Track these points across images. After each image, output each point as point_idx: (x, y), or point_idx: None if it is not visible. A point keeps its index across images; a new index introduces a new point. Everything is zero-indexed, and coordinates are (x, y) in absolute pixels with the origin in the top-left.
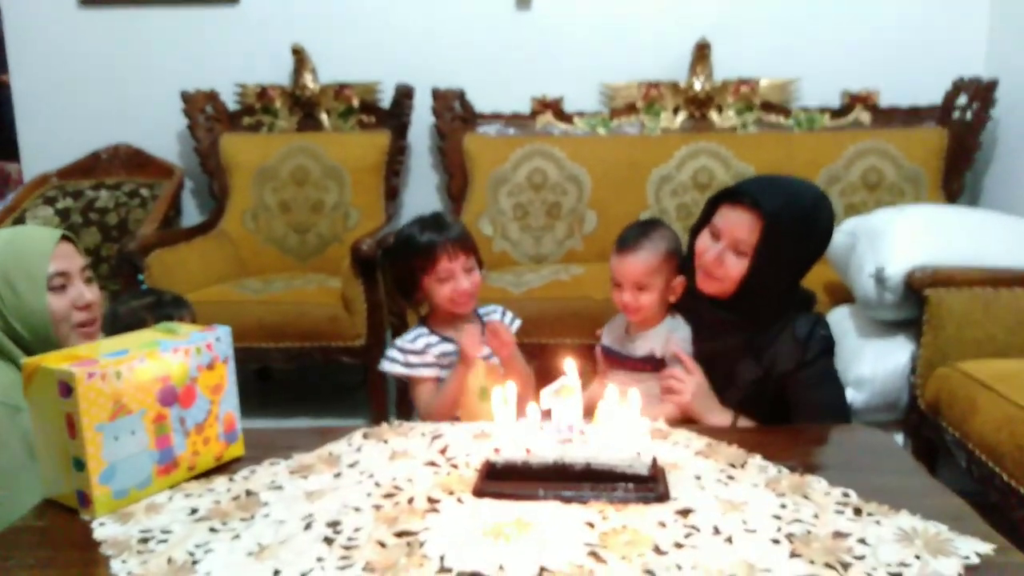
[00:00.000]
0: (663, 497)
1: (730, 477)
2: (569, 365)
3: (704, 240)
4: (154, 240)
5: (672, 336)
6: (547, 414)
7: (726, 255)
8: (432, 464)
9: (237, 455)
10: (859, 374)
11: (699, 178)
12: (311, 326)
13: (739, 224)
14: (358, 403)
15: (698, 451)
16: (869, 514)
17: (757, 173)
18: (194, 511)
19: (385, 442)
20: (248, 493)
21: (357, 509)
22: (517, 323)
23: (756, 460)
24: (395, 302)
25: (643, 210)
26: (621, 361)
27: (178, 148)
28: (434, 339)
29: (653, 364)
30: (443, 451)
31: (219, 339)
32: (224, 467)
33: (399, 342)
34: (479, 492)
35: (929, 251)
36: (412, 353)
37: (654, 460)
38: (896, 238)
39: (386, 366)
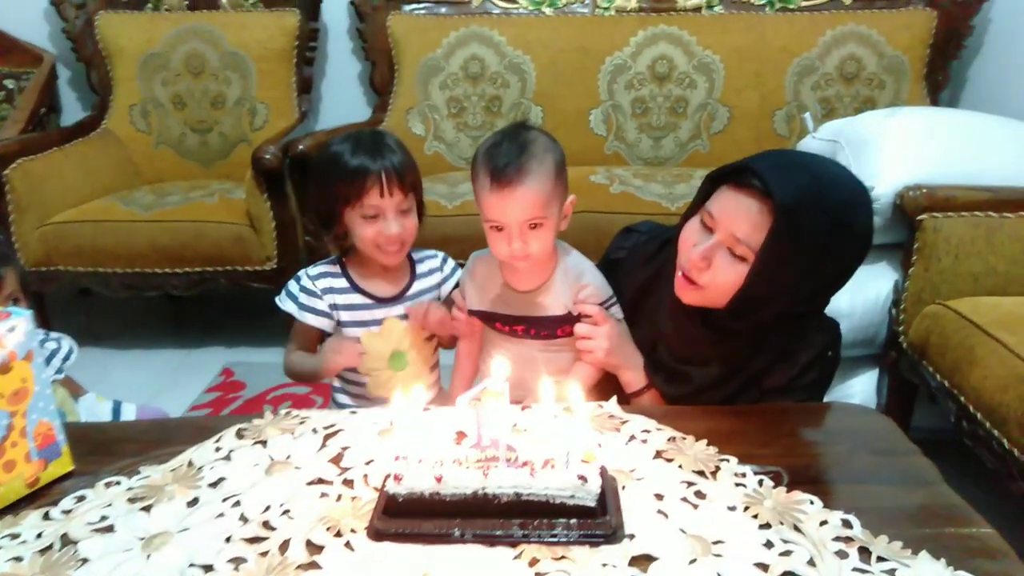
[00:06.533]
0: (614, 535)
1: (699, 495)
2: (497, 364)
3: (692, 230)
4: (17, 146)
5: (579, 283)
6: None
7: (718, 254)
8: (320, 481)
9: (63, 472)
10: (836, 307)
11: (657, 68)
12: (213, 248)
13: (741, 215)
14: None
15: (659, 451)
16: (880, 559)
17: (722, 62)
18: None
19: (263, 444)
20: (64, 541)
21: (208, 569)
22: (457, 272)
23: (730, 464)
24: (311, 219)
25: (594, 105)
26: (520, 328)
27: (47, 29)
28: (341, 283)
29: (571, 323)
30: (337, 458)
31: (13, 329)
32: (43, 492)
33: (303, 272)
34: (376, 533)
35: (924, 166)
36: (306, 293)
37: (603, 487)
38: (886, 149)
39: (280, 300)
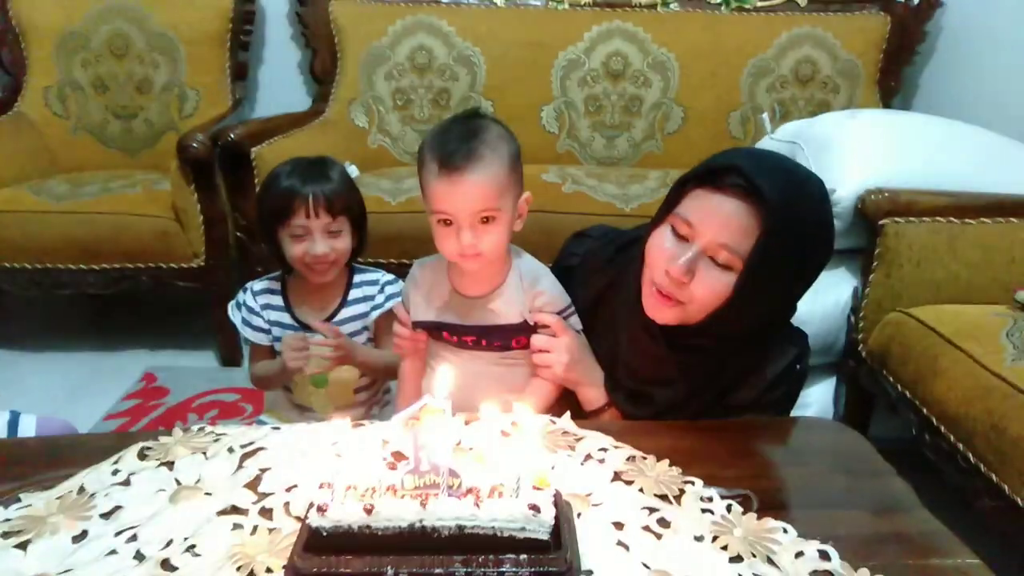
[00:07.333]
0: (570, 572)
1: (662, 523)
2: (442, 375)
3: (663, 240)
4: None
5: (535, 289)
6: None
7: (700, 265)
8: (233, 510)
9: None
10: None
11: (612, 65)
12: (134, 243)
13: (724, 218)
14: (208, 325)
15: (617, 472)
16: None
17: (677, 60)
18: None
19: (169, 466)
20: None
21: None
22: (393, 301)
23: (695, 488)
24: (242, 214)
25: (546, 101)
26: (470, 339)
27: None
28: (277, 301)
29: (527, 334)
30: (254, 482)
31: None
32: None
33: (249, 285)
34: (296, 573)
35: (886, 170)
36: (247, 308)
37: (557, 517)
38: (848, 151)
39: (231, 309)
